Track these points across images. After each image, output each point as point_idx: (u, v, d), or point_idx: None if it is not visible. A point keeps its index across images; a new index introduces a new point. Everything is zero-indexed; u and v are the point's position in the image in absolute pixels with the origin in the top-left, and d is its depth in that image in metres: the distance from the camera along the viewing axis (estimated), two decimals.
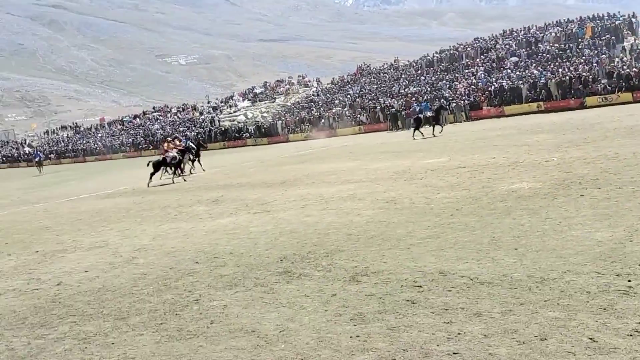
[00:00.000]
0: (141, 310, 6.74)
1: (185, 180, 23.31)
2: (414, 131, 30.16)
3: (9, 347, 6.04)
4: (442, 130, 30.96)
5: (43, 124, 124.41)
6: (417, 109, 35.31)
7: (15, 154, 79.79)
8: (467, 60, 49.25)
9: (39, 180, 38.51)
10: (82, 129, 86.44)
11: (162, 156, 24.13)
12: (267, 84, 69.76)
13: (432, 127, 30.57)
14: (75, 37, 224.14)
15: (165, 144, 25.34)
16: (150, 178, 23.03)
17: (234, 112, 63.84)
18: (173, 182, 23.01)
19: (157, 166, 23.49)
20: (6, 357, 5.76)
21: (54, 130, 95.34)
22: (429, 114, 31.32)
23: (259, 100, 65.42)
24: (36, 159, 52.40)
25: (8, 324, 6.88)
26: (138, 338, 5.86)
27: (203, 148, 25.81)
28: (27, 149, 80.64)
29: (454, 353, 4.64)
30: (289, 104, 60.58)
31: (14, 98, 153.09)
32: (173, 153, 24.03)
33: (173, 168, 23.98)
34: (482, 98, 41.78)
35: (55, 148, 76.24)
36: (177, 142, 26.62)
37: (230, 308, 6.42)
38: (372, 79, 56.38)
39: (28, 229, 15.06)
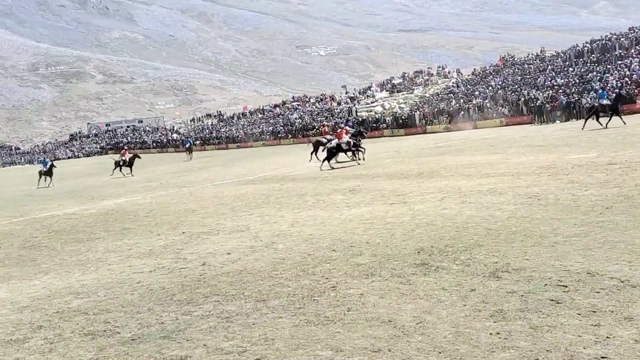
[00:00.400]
0: (280, 294, 6.92)
1: (358, 164, 24.40)
2: (586, 121, 27.99)
3: (159, 321, 6.41)
4: (625, 123, 26.86)
5: (189, 111, 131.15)
6: (595, 97, 32.79)
7: (164, 140, 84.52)
8: (621, 51, 46.27)
9: (185, 165, 40.60)
10: (225, 117, 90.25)
11: (335, 142, 25.27)
12: (406, 75, 69.33)
13: (609, 117, 27.63)
14: (221, 29, 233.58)
15: (323, 129, 26.85)
16: (328, 160, 24.46)
17: (372, 102, 64.01)
18: (358, 164, 24.28)
19: (332, 151, 24.70)
20: (156, 330, 6.12)
21: (199, 118, 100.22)
22: (604, 101, 28.74)
23: (397, 91, 65.16)
24: (186, 145, 55.08)
25: (158, 299, 7.30)
26: (277, 320, 6.01)
27: (362, 137, 26.52)
28: (174, 136, 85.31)
29: (602, 357, 4.38)
30: (427, 95, 59.86)
31: (164, 87, 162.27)
32: (347, 138, 25.26)
33: (351, 152, 25.43)
34: (637, 91, 39.12)
35: (200, 135, 79.98)
36: (328, 129, 27.92)
37: (367, 297, 6.44)
38: (516, 70, 54.44)
39: (175, 211, 15.92)
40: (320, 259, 8.41)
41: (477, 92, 52.69)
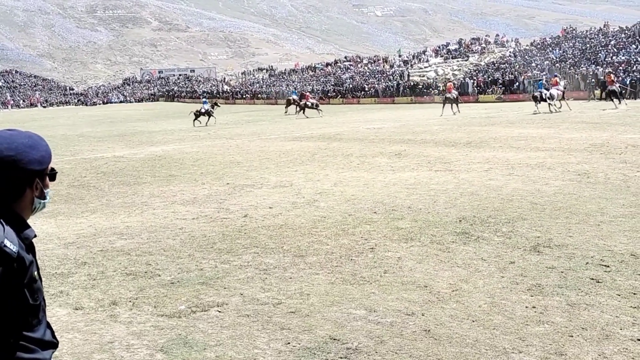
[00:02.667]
0: (318, 251, 6.97)
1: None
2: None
3: (198, 267, 6.54)
4: None
5: (241, 64, 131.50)
6: None
7: (215, 91, 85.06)
8: None
9: (234, 117, 40.85)
10: (276, 72, 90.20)
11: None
12: (462, 41, 68.00)
13: None
14: None
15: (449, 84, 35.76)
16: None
17: (425, 67, 63.11)
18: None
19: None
20: (195, 276, 6.25)
21: (250, 71, 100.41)
22: None
23: (452, 57, 64.05)
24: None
25: (199, 246, 7.43)
26: (314, 277, 6.07)
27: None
28: (225, 87, 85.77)
29: (638, 339, 4.32)
30: (482, 63, 58.70)
31: (218, 38, 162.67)
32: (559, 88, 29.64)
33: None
34: None
35: (251, 88, 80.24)
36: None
37: (405, 261, 6.45)
38: (577, 43, 52.84)
39: (221, 162, 16.09)
40: (360, 220, 8.42)
41: (533, 64, 51.43)
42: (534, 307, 4.99)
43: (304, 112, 38.16)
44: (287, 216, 8.94)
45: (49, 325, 2.03)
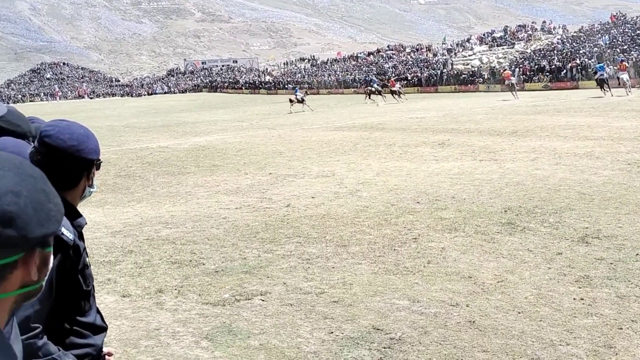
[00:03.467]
0: (361, 241, 6.95)
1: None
2: None
3: (242, 256, 6.59)
4: None
5: (283, 54, 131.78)
6: None
7: (257, 82, 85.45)
8: None
9: (275, 107, 41.00)
10: (318, 62, 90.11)
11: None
12: (508, 29, 66.84)
13: None
14: None
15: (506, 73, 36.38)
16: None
17: (469, 55, 62.27)
18: None
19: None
20: (239, 265, 6.30)
21: (292, 61, 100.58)
22: None
23: (497, 45, 63.03)
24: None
25: (242, 235, 7.49)
26: (356, 266, 6.06)
27: None
28: (267, 78, 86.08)
29: None
30: (528, 51, 57.62)
31: (260, 28, 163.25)
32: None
33: None
34: None
35: (293, 78, 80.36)
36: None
37: (448, 251, 6.38)
38: (626, 30, 51.44)
39: (263, 151, 16.17)
40: (403, 210, 8.37)
41: (582, 51, 50.28)
42: (582, 299, 4.89)
43: (392, 96, 39.36)
44: (329, 206, 8.93)
45: (98, 311, 2.08)
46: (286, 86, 74.10)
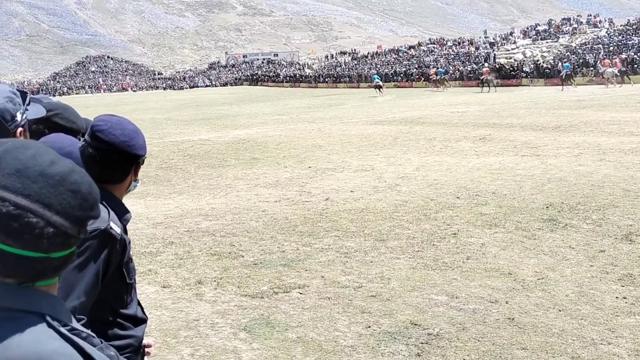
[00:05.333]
0: (400, 236, 6.93)
1: None
2: None
3: (280, 249, 6.63)
4: None
5: (324, 48, 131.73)
6: None
7: (297, 75, 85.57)
8: None
9: (316, 101, 41.04)
10: (359, 55, 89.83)
11: None
12: (552, 22, 65.62)
13: None
14: None
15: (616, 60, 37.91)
16: None
17: (512, 49, 61.32)
18: None
19: None
20: (278, 258, 6.34)
21: (333, 55, 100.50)
22: None
23: (541, 39, 61.94)
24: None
25: (281, 228, 7.53)
26: (395, 261, 6.05)
27: None
28: (307, 71, 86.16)
29: None
30: (573, 44, 56.50)
31: (301, 22, 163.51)
32: None
33: None
34: None
35: (333, 72, 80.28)
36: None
37: (488, 247, 6.32)
38: None
39: (303, 145, 16.21)
40: (443, 205, 8.31)
41: (629, 44, 49.09)
42: (624, 298, 4.80)
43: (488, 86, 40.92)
44: (368, 200, 8.92)
45: (139, 303, 2.12)
46: (326, 79, 74.01)
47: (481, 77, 42.79)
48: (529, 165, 11.12)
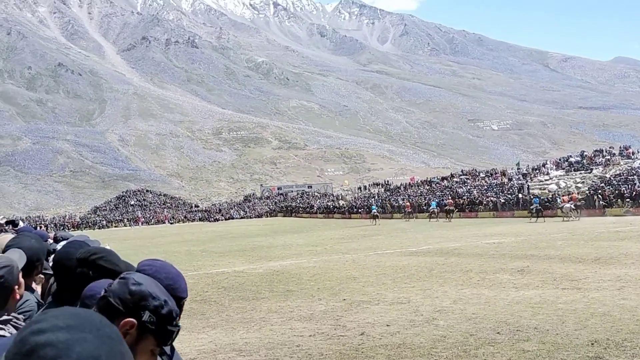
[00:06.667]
0: None
1: None
2: None
3: None
4: None
5: (357, 179, 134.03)
6: None
7: (331, 206, 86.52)
8: None
9: (349, 232, 41.18)
10: (391, 186, 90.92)
11: None
12: (584, 154, 66.12)
13: None
14: (393, 101, 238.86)
15: None
16: None
17: (545, 180, 61.51)
18: None
19: None
20: None
21: (366, 186, 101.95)
22: None
23: (574, 170, 62.18)
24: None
25: None
26: None
27: None
28: (341, 202, 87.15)
29: None
30: (607, 175, 56.51)
31: (334, 155, 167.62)
32: None
33: None
34: None
35: (366, 203, 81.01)
36: None
37: None
38: None
39: (337, 277, 16.08)
40: (483, 341, 8.04)
41: None
42: None
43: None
44: (405, 335, 8.69)
45: None
46: (359, 210, 74.63)
47: (560, 206, 42.28)
48: (571, 299, 10.81)
